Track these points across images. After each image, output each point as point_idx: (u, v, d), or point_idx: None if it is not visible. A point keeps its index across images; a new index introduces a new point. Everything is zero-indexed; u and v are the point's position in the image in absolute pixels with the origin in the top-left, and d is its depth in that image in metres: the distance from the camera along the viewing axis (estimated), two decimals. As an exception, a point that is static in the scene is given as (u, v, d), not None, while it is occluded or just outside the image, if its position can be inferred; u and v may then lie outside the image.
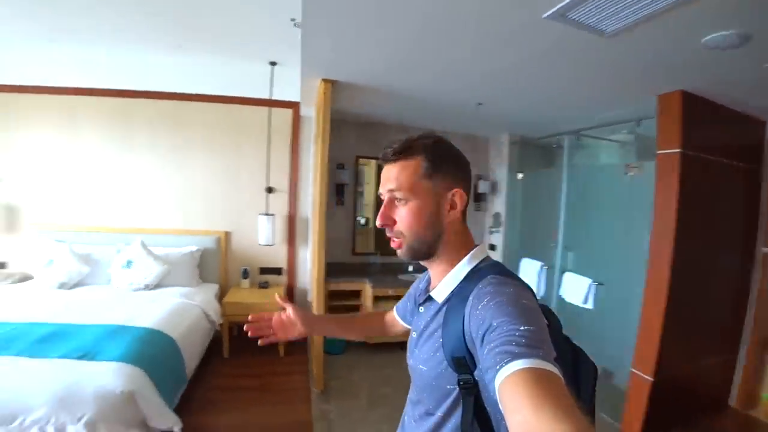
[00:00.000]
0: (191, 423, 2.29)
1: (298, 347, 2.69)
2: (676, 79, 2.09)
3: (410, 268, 3.89)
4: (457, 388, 0.67)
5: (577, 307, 2.93)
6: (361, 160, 3.97)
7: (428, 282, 0.84)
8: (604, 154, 3.55)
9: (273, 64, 3.11)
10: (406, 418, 0.85)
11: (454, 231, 0.76)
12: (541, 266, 3.37)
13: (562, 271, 3.18)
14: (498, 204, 4.11)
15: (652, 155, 2.32)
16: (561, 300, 3.10)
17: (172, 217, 3.71)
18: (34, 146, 3.56)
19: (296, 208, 3.83)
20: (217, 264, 3.72)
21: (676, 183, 2.15)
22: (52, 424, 1.74)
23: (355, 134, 3.88)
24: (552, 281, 3.29)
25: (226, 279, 3.77)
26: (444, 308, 0.73)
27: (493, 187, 4.14)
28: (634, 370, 2.35)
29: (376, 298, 3.51)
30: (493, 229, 4.13)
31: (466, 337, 0.64)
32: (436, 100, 2.89)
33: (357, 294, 3.59)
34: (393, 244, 0.77)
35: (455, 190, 0.74)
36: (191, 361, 2.59)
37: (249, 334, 0.96)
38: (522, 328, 0.54)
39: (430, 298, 0.79)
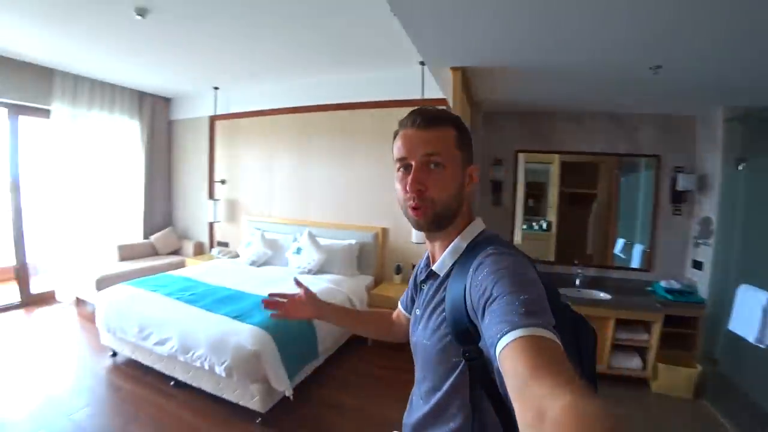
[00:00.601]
0: (317, 395, 2.56)
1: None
2: None
3: (577, 282, 3.28)
4: (463, 360, 0.68)
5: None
6: (538, 156, 3.57)
7: (428, 260, 0.86)
8: None
9: (422, 64, 3.15)
10: (413, 398, 0.86)
11: (467, 204, 0.79)
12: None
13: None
14: (708, 206, 2.99)
15: None
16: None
17: (337, 212, 4.25)
18: (247, 156, 4.75)
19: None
20: (374, 257, 4.03)
21: None
22: (207, 362, 2.30)
23: (514, 126, 3.52)
24: None
25: (382, 272, 4.06)
26: (446, 282, 0.74)
27: (702, 183, 3.04)
28: None
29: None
30: (700, 241, 3.03)
31: (468, 309, 0.65)
32: (594, 73, 2.31)
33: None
34: (416, 212, 0.75)
35: (474, 165, 0.79)
36: (327, 339, 2.87)
37: (263, 306, 1.04)
38: (522, 297, 0.55)
39: (432, 274, 0.80)
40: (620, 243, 3.45)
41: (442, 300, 0.74)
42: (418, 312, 0.83)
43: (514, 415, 0.44)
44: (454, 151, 0.75)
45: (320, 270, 3.75)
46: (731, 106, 2.77)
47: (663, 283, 3.09)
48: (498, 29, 1.80)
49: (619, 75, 2.34)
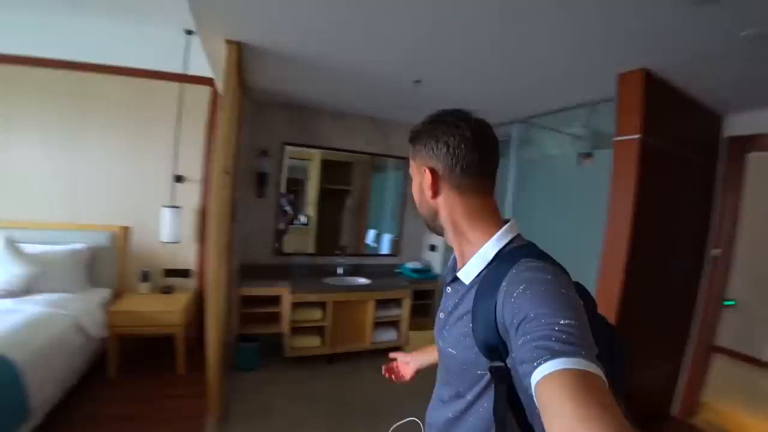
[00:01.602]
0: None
1: (203, 363, 2.19)
2: (637, 53, 1.83)
3: (340, 271, 3.47)
4: (488, 374, 0.65)
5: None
6: (300, 151, 3.49)
7: (454, 261, 0.82)
8: (557, 149, 3.38)
9: (189, 33, 2.57)
10: (436, 397, 0.84)
11: (456, 209, 0.73)
12: None
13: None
14: None
15: (608, 147, 2.09)
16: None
17: (56, 208, 2.95)
18: None
19: (210, 201, 3.22)
20: (112, 265, 3.03)
21: (634, 171, 1.90)
22: None
23: (283, 118, 3.37)
24: None
25: (124, 283, 3.07)
26: (472, 291, 0.69)
27: None
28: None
29: (296, 305, 3.03)
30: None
31: (499, 325, 0.61)
32: (367, 76, 2.47)
33: (276, 300, 3.08)
34: None
35: (424, 167, 0.74)
36: (45, 388, 1.94)
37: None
38: (562, 321, 0.50)
39: (456, 279, 0.75)
40: (372, 233, 3.91)
41: (468, 310, 0.68)
42: (441, 316, 0.79)
43: None
44: (412, 163, 0.79)
45: (29, 290, 2.51)
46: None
47: (409, 265, 3.70)
48: (286, 5, 1.64)
49: (387, 84, 2.61)
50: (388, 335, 3.39)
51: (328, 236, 3.69)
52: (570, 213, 2.51)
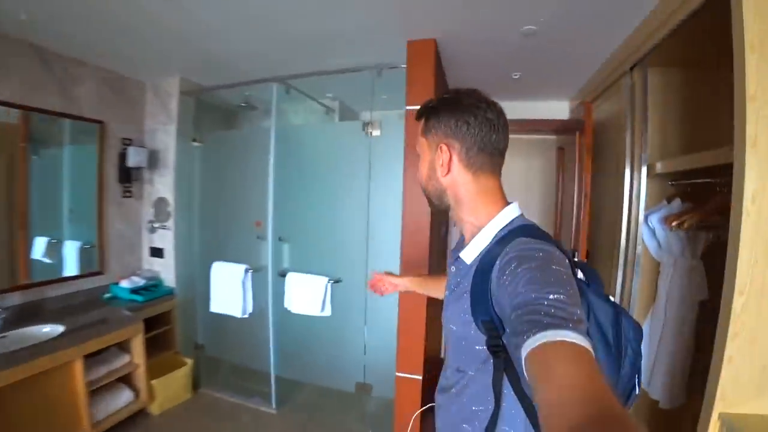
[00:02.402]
0: None
1: None
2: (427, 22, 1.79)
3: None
4: (486, 350, 0.67)
5: (310, 318, 2.27)
6: None
7: (462, 239, 0.83)
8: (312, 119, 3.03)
9: None
10: (442, 374, 0.85)
11: (466, 188, 0.74)
12: (246, 270, 2.42)
13: (280, 274, 2.39)
14: (162, 185, 2.70)
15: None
16: (287, 313, 2.33)
17: None
18: None
19: None
20: None
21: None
22: None
23: None
24: (265, 289, 2.43)
25: None
26: (472, 270, 0.70)
27: (153, 160, 2.68)
28: (399, 374, 1.99)
29: None
30: (157, 225, 2.69)
31: (494, 303, 0.63)
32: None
33: None
34: None
35: (442, 144, 0.74)
36: None
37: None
38: (551, 296, 0.52)
39: (459, 259, 0.77)
40: (41, 243, 2.36)
41: (467, 289, 0.70)
42: (447, 293, 0.81)
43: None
44: (421, 139, 0.78)
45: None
46: (187, 79, 2.58)
47: (125, 283, 2.48)
48: None
49: None
50: (120, 399, 2.14)
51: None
52: (345, 193, 2.30)
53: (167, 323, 2.58)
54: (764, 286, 1.00)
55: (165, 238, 2.68)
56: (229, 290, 2.43)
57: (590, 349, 0.46)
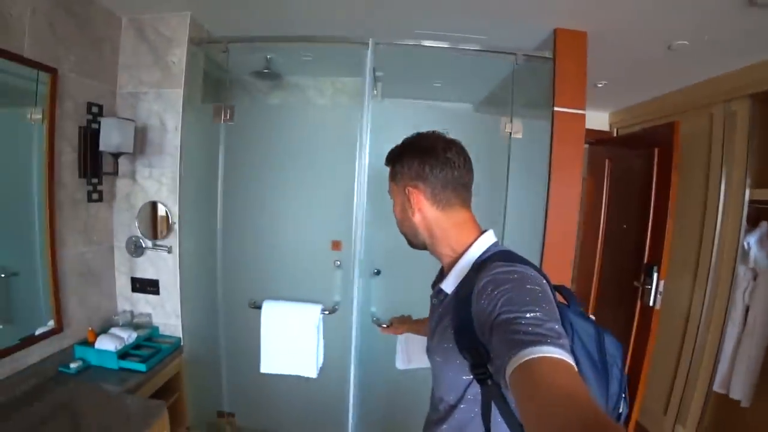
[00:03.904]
0: None
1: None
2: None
3: None
4: (473, 378, 0.67)
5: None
6: None
7: (441, 271, 0.84)
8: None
9: None
10: (431, 407, 0.83)
11: (438, 224, 0.77)
12: (321, 312, 1.76)
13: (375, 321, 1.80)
14: (154, 183, 1.71)
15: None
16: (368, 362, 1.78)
17: None
18: None
19: None
20: None
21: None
22: None
23: None
24: (341, 335, 1.80)
25: None
26: (453, 300, 0.72)
27: (143, 140, 1.67)
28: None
29: None
30: (149, 244, 1.72)
31: (477, 331, 0.62)
32: None
33: None
34: None
35: (409, 187, 0.76)
36: None
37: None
38: (528, 315, 0.52)
39: (441, 290, 0.77)
40: None
41: (450, 320, 0.70)
42: (431, 325, 0.80)
43: None
44: (391, 183, 0.82)
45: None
46: (198, 22, 1.69)
47: (105, 344, 1.54)
48: None
49: None
50: None
51: None
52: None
53: (173, 391, 1.71)
54: None
55: (161, 265, 1.74)
56: (293, 341, 1.72)
57: (572, 363, 0.46)
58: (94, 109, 1.56)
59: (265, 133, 1.83)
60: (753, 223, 2.02)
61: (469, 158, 0.78)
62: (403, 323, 1.25)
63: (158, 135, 1.69)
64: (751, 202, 1.97)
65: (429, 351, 0.80)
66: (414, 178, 0.76)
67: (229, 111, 1.73)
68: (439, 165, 0.74)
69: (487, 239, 0.76)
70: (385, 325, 1.31)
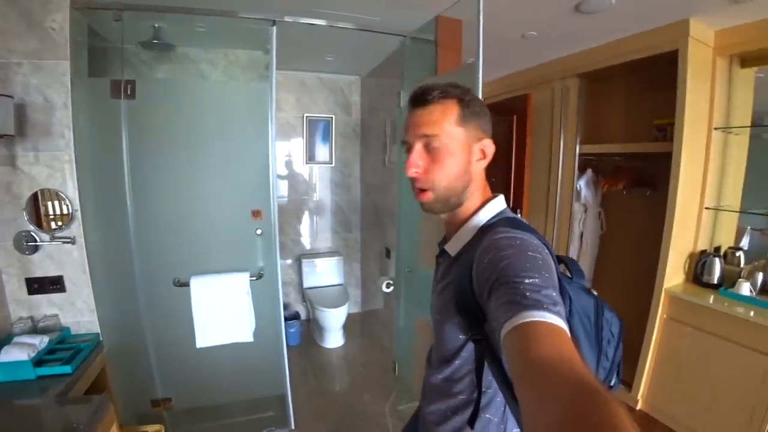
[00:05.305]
0: None
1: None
2: None
3: None
4: (469, 339, 0.69)
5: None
6: None
7: (444, 235, 0.83)
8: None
9: None
10: (430, 358, 0.85)
11: (477, 183, 0.75)
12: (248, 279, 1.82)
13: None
14: (43, 168, 1.49)
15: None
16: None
17: None
18: None
19: None
20: None
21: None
22: None
23: None
24: (268, 298, 1.90)
25: None
26: (456, 262, 0.73)
27: (23, 118, 1.43)
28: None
29: None
30: (45, 239, 1.50)
31: (475, 292, 0.62)
32: None
33: None
34: (419, 196, 0.74)
35: (486, 140, 0.73)
36: None
37: None
38: (527, 281, 0.53)
39: (444, 252, 0.78)
40: None
41: (451, 281, 0.72)
42: (433, 284, 0.82)
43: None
44: (456, 128, 0.70)
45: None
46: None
47: (14, 354, 1.39)
48: None
49: None
50: None
51: None
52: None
53: (99, 391, 1.60)
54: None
55: (64, 259, 1.56)
56: (227, 311, 1.76)
57: (566, 330, 0.47)
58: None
59: (170, 109, 1.75)
60: (582, 170, 2.70)
61: None
62: None
63: (44, 114, 1.49)
64: (580, 155, 2.63)
65: (431, 309, 0.81)
66: (488, 131, 0.74)
67: (129, 87, 1.60)
68: (490, 123, 0.76)
69: (498, 205, 0.75)
70: None
